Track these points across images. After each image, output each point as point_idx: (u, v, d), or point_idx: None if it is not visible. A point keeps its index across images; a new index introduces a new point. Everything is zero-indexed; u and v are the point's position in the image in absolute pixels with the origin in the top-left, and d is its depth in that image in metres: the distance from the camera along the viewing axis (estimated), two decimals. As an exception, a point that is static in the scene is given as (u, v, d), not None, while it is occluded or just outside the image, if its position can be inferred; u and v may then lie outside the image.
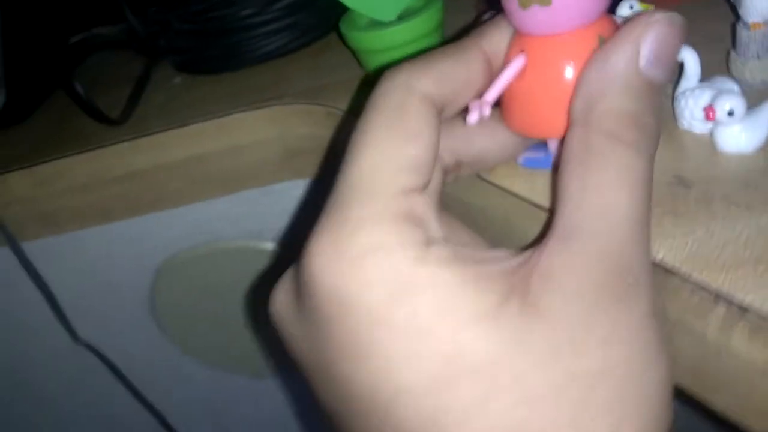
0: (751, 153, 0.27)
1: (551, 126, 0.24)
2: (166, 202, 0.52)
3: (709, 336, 0.24)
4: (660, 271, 0.24)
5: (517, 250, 0.21)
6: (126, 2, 0.50)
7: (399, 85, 0.21)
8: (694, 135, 0.29)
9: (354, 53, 0.42)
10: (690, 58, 0.29)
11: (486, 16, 0.26)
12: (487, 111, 0.23)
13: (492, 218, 0.32)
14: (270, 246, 0.59)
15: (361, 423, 0.19)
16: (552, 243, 0.19)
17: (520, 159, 0.29)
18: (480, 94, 0.23)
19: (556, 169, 0.22)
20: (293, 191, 0.52)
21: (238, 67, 0.52)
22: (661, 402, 0.19)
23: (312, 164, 0.47)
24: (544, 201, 0.28)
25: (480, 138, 0.26)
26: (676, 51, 0.21)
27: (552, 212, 0.21)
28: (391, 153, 0.20)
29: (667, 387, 0.19)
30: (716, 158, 0.27)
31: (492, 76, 0.24)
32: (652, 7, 0.31)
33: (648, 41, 0.20)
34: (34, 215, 0.51)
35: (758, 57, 0.30)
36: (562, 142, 0.22)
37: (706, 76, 0.31)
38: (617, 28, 0.22)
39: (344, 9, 0.41)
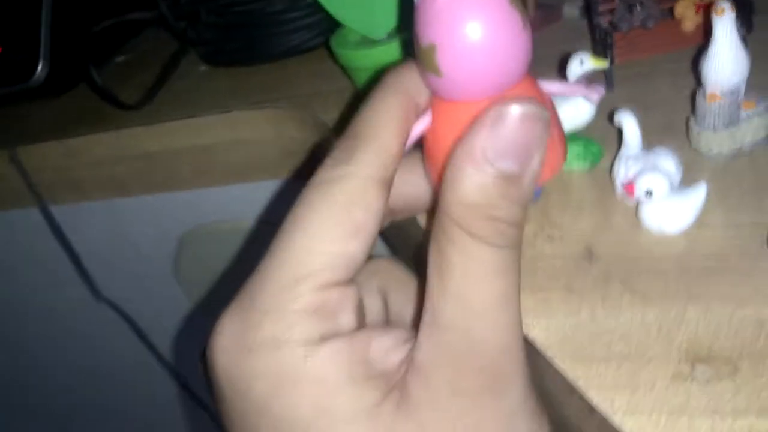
0: (674, 235, 0.26)
1: None
2: (177, 183, 0.55)
3: (572, 418, 0.24)
4: (533, 348, 0.24)
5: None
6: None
7: (349, 173, 0.20)
8: (625, 205, 0.28)
9: (343, 70, 0.42)
10: (628, 125, 0.28)
11: None
12: None
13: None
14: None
15: None
16: (421, 334, 0.20)
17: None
18: None
19: None
20: (298, 186, 0.53)
21: (257, 62, 0.53)
22: None
23: (307, 166, 0.48)
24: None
25: (406, 188, 0.25)
26: (531, 145, 0.19)
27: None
28: (324, 249, 0.19)
29: None
30: (635, 235, 0.27)
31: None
32: (605, 64, 0.30)
33: (495, 135, 0.18)
34: (63, 182, 0.56)
35: (714, 129, 0.28)
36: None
37: (669, 137, 0.30)
38: (538, 99, 0.20)
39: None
